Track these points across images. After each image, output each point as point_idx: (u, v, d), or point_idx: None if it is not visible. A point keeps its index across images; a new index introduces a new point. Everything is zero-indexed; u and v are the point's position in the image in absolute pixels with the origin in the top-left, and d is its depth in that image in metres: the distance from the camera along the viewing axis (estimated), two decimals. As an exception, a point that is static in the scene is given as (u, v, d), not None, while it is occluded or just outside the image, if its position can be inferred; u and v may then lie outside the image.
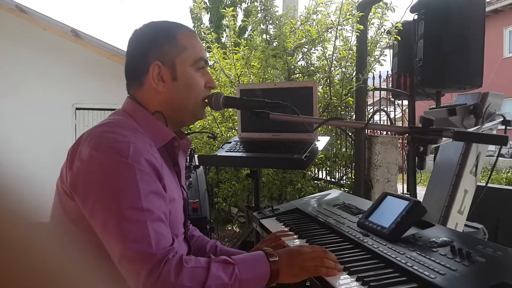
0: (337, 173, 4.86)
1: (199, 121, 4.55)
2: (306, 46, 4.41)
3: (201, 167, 2.88)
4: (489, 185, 2.17)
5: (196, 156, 2.69)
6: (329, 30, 4.28)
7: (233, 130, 4.29)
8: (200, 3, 4.97)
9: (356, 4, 4.10)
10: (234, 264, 1.12)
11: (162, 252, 1.05)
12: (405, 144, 4.57)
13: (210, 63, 5.04)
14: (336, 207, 1.86)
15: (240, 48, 4.54)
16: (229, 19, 4.38)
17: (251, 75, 4.39)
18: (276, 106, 1.40)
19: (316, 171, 5.00)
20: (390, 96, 4.92)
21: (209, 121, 4.54)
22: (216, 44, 4.65)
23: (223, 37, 11.86)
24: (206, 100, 1.39)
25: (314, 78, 4.31)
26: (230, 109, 4.27)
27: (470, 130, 1.60)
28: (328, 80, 4.24)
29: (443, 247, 1.23)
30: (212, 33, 4.64)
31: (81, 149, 1.13)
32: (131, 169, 1.08)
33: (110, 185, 1.08)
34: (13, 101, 6.72)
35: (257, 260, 1.17)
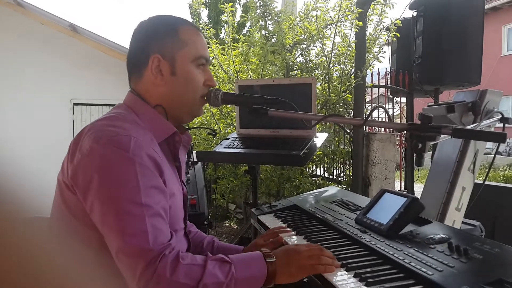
0: (335, 170, 4.87)
1: (197, 117, 4.55)
2: (305, 43, 4.40)
3: (199, 163, 2.87)
4: (486, 182, 2.17)
5: (194, 152, 2.68)
6: (328, 26, 4.27)
7: (231, 127, 4.29)
8: (199, -1, 4.94)
9: (355, 0, 4.10)
10: (230, 263, 1.12)
11: (159, 247, 1.05)
12: (403, 141, 4.57)
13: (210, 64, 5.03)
14: (334, 204, 1.86)
15: (238, 44, 4.52)
16: (228, 15, 4.37)
17: (249, 71, 4.38)
18: (274, 103, 1.39)
19: (314, 168, 5.00)
20: (389, 93, 4.93)
21: (208, 118, 4.54)
22: (215, 40, 4.64)
23: (221, 33, 11.82)
24: (205, 98, 1.39)
25: (313, 74, 4.30)
26: (229, 106, 4.27)
27: (469, 127, 1.60)
28: (326, 76, 4.24)
29: (441, 244, 1.23)
30: (211, 29, 4.63)
31: (83, 142, 1.13)
32: (131, 162, 1.08)
33: (110, 178, 1.08)
34: (10, 96, 6.70)
35: (254, 260, 1.17)
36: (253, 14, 4.35)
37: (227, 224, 5.81)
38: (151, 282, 1.01)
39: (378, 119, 5.33)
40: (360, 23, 3.94)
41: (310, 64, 4.46)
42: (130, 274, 1.03)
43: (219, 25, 12.17)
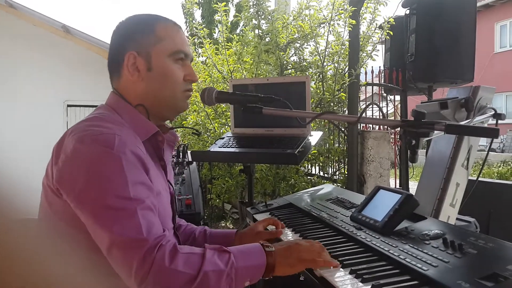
0: (330, 169, 4.88)
1: (192, 117, 4.55)
2: (299, 41, 4.41)
3: (194, 163, 2.87)
4: (480, 179, 2.19)
5: (189, 152, 2.68)
6: (322, 25, 4.28)
7: (226, 126, 4.28)
8: (192, -2, 4.93)
9: (348, -1, 4.11)
10: (229, 252, 1.11)
11: (154, 238, 1.03)
12: (398, 139, 4.59)
13: (203, 58, 5.03)
14: (329, 202, 1.86)
15: (232, 44, 4.52)
16: (221, 15, 4.37)
17: (243, 71, 4.38)
18: (269, 101, 1.39)
19: (309, 166, 5.01)
20: (383, 91, 4.94)
21: (202, 117, 4.53)
22: (209, 40, 4.64)
23: (215, 32, 11.81)
24: (187, 92, 1.37)
25: (307, 73, 4.31)
26: (223, 105, 4.27)
27: (462, 123, 1.61)
28: (320, 75, 4.25)
29: (436, 239, 1.24)
30: (204, 29, 4.62)
31: (66, 144, 1.12)
32: (117, 159, 1.07)
33: (97, 176, 1.06)
34: (3, 98, 6.66)
35: (253, 250, 1.16)
36: (246, 14, 4.35)
37: (223, 224, 5.81)
38: (150, 273, 0.99)
39: (372, 117, 5.34)
40: (354, 22, 3.95)
41: (304, 63, 4.47)
42: (125, 268, 1.01)
43: (213, 24, 12.14)
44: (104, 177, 1.06)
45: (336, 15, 4.13)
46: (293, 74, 4.37)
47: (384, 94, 5.07)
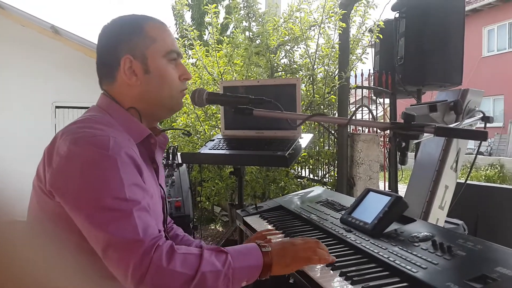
0: (320, 171, 4.89)
1: (182, 119, 4.53)
2: (289, 44, 4.42)
3: (184, 165, 2.86)
4: (468, 182, 2.20)
5: (179, 154, 2.67)
6: (312, 28, 4.29)
7: (216, 129, 4.27)
8: (182, 0, 4.92)
9: (339, 2, 4.13)
10: (227, 253, 1.10)
11: (151, 238, 1.02)
12: (387, 142, 4.61)
13: (193, 60, 5.01)
14: (319, 204, 1.86)
15: (223, 46, 4.52)
16: (211, 16, 4.36)
17: (234, 73, 4.38)
18: (259, 102, 1.39)
19: (299, 169, 5.02)
20: (372, 94, 4.97)
21: (192, 120, 4.52)
22: (199, 42, 4.63)
23: (205, 34, 11.79)
24: (183, 91, 1.36)
25: (297, 75, 4.32)
26: (213, 107, 4.26)
27: (451, 126, 1.62)
28: (311, 78, 4.26)
29: (425, 241, 1.24)
30: (194, 31, 4.61)
31: (58, 146, 1.10)
32: (112, 160, 1.06)
33: (92, 177, 1.06)
34: (-10, 99, 6.58)
35: (249, 250, 1.15)
36: (237, 16, 4.35)
37: (212, 227, 5.79)
38: (148, 274, 0.98)
39: (362, 119, 5.37)
40: (344, 25, 3.97)
41: (295, 66, 4.48)
42: (122, 269, 1.00)
43: (203, 26, 12.14)
44: (99, 179, 1.05)
45: (326, 18, 4.15)
46: (283, 76, 4.38)
47: (374, 97, 5.10)
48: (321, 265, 1.21)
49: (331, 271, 1.19)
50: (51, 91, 7.09)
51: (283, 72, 4.45)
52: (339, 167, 4.25)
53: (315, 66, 4.26)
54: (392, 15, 4.24)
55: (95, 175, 1.06)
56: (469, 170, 2.19)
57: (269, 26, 4.24)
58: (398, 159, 1.22)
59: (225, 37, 5.07)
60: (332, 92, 4.27)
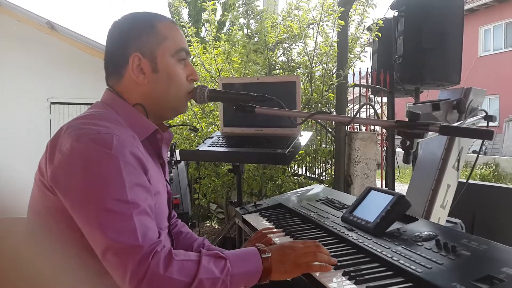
0: (316, 169, 4.88)
1: (179, 116, 4.51)
2: (287, 42, 4.40)
3: (182, 162, 2.84)
4: (463, 180, 2.20)
5: (177, 151, 2.65)
6: (311, 26, 4.28)
7: (213, 126, 4.25)
8: (179, -3, 4.89)
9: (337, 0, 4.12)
10: (226, 259, 1.09)
11: (150, 244, 1.01)
12: (384, 141, 4.61)
13: (190, 57, 4.98)
14: (319, 202, 1.85)
15: (220, 43, 4.50)
16: (210, 13, 4.33)
17: (231, 70, 4.35)
18: (261, 100, 1.37)
19: (296, 167, 5.01)
20: (370, 93, 4.96)
21: (189, 116, 4.49)
22: (196, 39, 4.60)
23: (201, 31, 11.75)
24: (190, 93, 1.36)
25: (295, 73, 4.31)
26: (211, 104, 4.24)
27: (455, 124, 1.61)
28: (309, 76, 4.25)
29: (428, 241, 1.23)
30: (192, 27, 4.58)
31: (62, 141, 1.08)
32: (115, 160, 1.04)
33: (94, 177, 1.04)
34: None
35: (249, 255, 1.14)
36: (235, 13, 4.33)
37: (208, 224, 5.77)
38: (144, 281, 0.97)
39: (359, 116, 5.35)
40: (342, 23, 3.95)
41: (292, 63, 4.46)
42: (120, 273, 0.99)
43: (199, 23, 12.09)
44: (101, 179, 1.04)
45: (325, 16, 4.13)
46: (281, 74, 4.36)
47: (371, 96, 5.09)
48: (323, 264, 1.20)
49: (334, 270, 1.17)
50: (46, 87, 7.05)
51: (280, 70, 4.43)
52: (337, 165, 4.24)
53: (313, 64, 4.25)
54: (390, 13, 4.24)
55: (96, 175, 1.04)
56: (471, 169, 2.18)
57: (268, 24, 4.22)
58: (402, 158, 1.20)
59: (222, 34, 5.04)
60: (330, 90, 4.26)
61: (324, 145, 4.73)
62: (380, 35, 4.15)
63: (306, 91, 4.25)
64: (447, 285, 0.97)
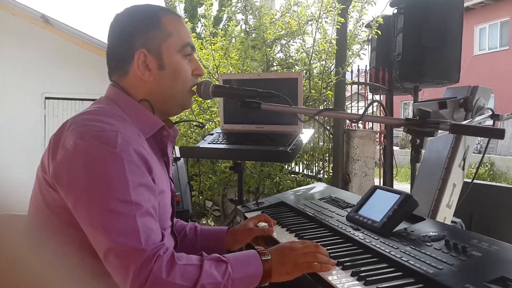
0: (314, 167, 4.86)
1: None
2: (285, 38, 4.37)
3: (182, 159, 2.81)
4: (468, 180, 2.18)
5: (176, 148, 2.61)
6: (309, 22, 4.25)
7: (211, 122, 4.22)
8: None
9: (337, -4, 4.09)
10: (227, 263, 1.07)
11: (153, 248, 0.99)
12: (383, 139, 4.60)
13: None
14: (322, 201, 1.82)
15: (217, 39, 4.46)
16: (207, 8, 4.29)
17: (229, 66, 4.32)
18: (267, 96, 1.35)
19: (293, 165, 4.99)
20: (368, 91, 4.94)
21: (187, 113, 4.46)
22: (193, 34, 4.56)
23: (197, 27, 11.69)
24: (194, 89, 1.33)
25: (293, 70, 4.28)
26: (208, 101, 4.20)
27: (464, 123, 1.59)
28: (307, 73, 4.22)
29: (437, 241, 1.21)
30: (188, 23, 4.54)
31: (65, 137, 1.06)
32: (119, 159, 1.01)
33: (97, 176, 1.01)
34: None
35: (249, 259, 1.13)
36: (233, 8, 4.29)
37: (204, 222, 5.75)
38: (146, 285, 0.95)
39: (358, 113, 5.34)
40: (342, 19, 3.92)
41: (290, 60, 4.44)
42: (121, 276, 0.98)
43: (195, 19, 12.03)
44: (104, 179, 1.01)
45: (324, 13, 4.10)
46: (279, 70, 4.33)
47: (369, 93, 5.07)
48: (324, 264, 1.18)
49: (342, 271, 1.15)
50: (40, 82, 6.98)
51: (278, 67, 4.40)
52: (335, 163, 4.22)
53: (311, 61, 4.22)
54: (389, 10, 4.21)
55: (100, 174, 1.01)
56: (476, 168, 2.17)
57: (266, 20, 4.18)
58: (412, 156, 1.18)
59: (219, 30, 5.00)
60: (328, 88, 4.23)
61: (322, 143, 4.71)
62: (380, 33, 4.13)
63: (305, 88, 4.22)
64: (460, 286, 0.95)
